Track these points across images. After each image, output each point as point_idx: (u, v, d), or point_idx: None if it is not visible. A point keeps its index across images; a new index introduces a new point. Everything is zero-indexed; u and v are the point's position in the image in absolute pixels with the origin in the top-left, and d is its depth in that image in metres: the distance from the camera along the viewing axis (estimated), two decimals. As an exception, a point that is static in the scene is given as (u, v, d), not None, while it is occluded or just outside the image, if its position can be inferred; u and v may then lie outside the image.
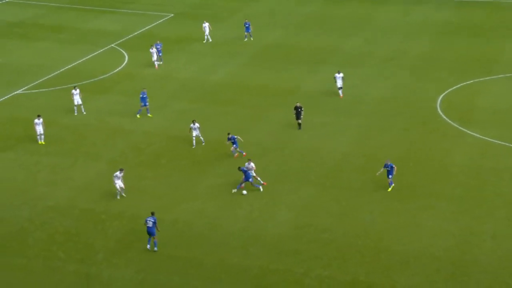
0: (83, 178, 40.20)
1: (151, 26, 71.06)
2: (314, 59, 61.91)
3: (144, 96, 48.58)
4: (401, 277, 31.89)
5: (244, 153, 42.16)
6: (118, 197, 37.01)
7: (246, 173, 38.49)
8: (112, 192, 38.59)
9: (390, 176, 39.04)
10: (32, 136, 45.47)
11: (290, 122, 48.17)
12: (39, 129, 44.20)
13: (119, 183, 37.13)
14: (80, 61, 60.00)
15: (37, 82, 54.77)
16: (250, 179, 38.48)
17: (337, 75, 52.39)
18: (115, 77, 56.56)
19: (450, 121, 48.93)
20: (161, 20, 72.34)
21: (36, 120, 44.29)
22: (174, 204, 37.38)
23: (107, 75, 56.88)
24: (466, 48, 64.98)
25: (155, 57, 57.69)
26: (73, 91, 48.90)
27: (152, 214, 33.58)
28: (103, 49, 61.80)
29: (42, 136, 44.36)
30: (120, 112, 49.78)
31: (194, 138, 44.12)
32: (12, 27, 69.50)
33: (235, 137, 42.28)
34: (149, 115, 48.86)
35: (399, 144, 45.52)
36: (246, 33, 66.00)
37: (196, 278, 31.56)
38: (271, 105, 51.40)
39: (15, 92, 52.66)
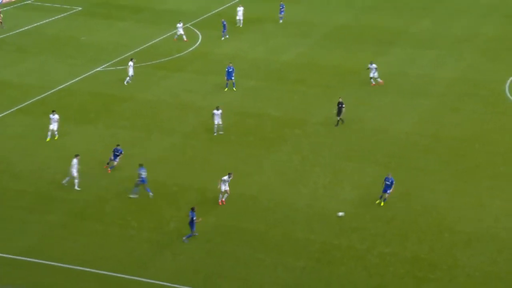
0: (157, 152, 40.93)
1: (225, 6, 71.21)
2: (383, 40, 60.78)
3: (230, 70, 49.57)
4: (463, 256, 31.21)
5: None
6: (220, 201, 35.75)
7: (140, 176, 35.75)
8: (182, 165, 39.16)
9: (388, 191, 34.73)
10: (111, 111, 46.55)
11: (358, 101, 47.56)
12: (53, 125, 41.60)
13: (224, 187, 35.49)
14: (157, 40, 60.82)
15: (116, 60, 55.83)
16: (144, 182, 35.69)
17: (370, 65, 50.15)
18: (189, 56, 57.09)
19: (519, 103, 47.26)
20: (235, 1, 72.35)
21: (51, 116, 41.75)
22: (242, 178, 37.62)
23: (182, 53, 57.46)
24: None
25: (180, 31, 59.15)
26: (130, 62, 50.55)
27: (193, 209, 31.90)
28: (171, 32, 62.40)
29: (56, 133, 41.80)
30: (193, 90, 50.31)
31: (216, 125, 42.51)
32: (95, 7, 70.98)
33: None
34: (234, 89, 49.72)
35: (467, 125, 44.34)
36: (280, 15, 66.00)
37: (260, 250, 31.75)
38: (339, 85, 50.88)
39: (97, 69, 53.91)
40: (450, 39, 60.77)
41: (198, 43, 59.87)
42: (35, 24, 65.07)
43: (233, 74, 49.68)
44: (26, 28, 63.95)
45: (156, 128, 44.10)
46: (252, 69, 54.22)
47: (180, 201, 35.67)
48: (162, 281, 29.55)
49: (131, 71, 50.59)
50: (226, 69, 49.90)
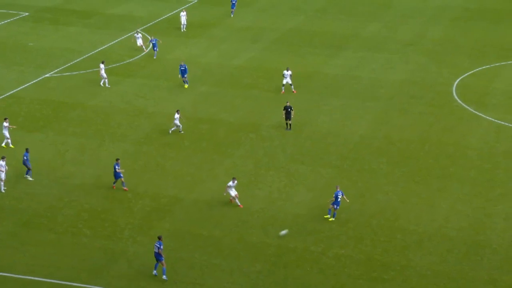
0: (109, 158, 40.42)
1: (176, 11, 70.92)
2: (334, 43, 61.50)
3: (182, 68, 50.48)
4: (415, 256, 31.77)
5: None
6: (237, 202, 35.39)
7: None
8: (135, 171, 38.82)
9: (335, 206, 33.94)
10: (60, 118, 45.79)
11: (310, 105, 47.97)
12: (6, 133, 41.02)
13: (232, 192, 35.22)
14: (107, 45, 60.16)
15: (66, 66, 54.98)
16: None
17: (285, 72, 50.03)
18: (141, 61, 56.66)
19: (465, 105, 48.42)
20: (186, 6, 72.13)
21: (4, 123, 41.18)
22: (196, 184, 37.51)
23: (133, 59, 56.98)
24: (483, 34, 64.20)
25: (140, 42, 57.77)
26: (101, 64, 50.60)
27: (159, 238, 30.12)
28: (129, 34, 61.86)
29: (9, 141, 41.14)
30: (145, 95, 49.94)
31: (179, 126, 43.01)
32: (43, 12, 69.75)
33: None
34: (185, 86, 50.77)
35: (416, 127, 45.17)
36: (232, 9, 68.63)
37: (216, 255, 31.69)
38: (290, 89, 51.13)
39: (45, 75, 52.99)
40: (399, 43, 61.88)
41: (149, 48, 59.41)
42: (-20, 30, 63.61)
43: (186, 72, 50.48)
44: (-30, 34, 62.48)
45: (108, 135, 43.59)
46: (205, 74, 54.13)
47: (134, 208, 35.34)
48: (117, 289, 29.22)
49: (103, 74, 50.36)
50: (179, 67, 50.58)
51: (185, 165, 39.83)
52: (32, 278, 29.73)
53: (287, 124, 43.92)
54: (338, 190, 34.18)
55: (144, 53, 57.70)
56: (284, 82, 49.85)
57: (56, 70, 54.07)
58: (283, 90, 49.96)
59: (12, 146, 41.22)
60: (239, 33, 64.49)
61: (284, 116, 44.01)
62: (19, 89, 50.39)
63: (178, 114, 43.39)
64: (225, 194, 35.32)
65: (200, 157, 40.80)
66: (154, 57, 56.80)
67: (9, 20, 66.74)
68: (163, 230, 33.44)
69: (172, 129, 43.39)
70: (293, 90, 50.01)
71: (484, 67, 55.78)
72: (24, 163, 37.79)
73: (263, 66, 53.69)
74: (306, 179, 38.46)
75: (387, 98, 49.77)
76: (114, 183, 37.02)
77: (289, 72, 49.91)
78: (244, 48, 60.37)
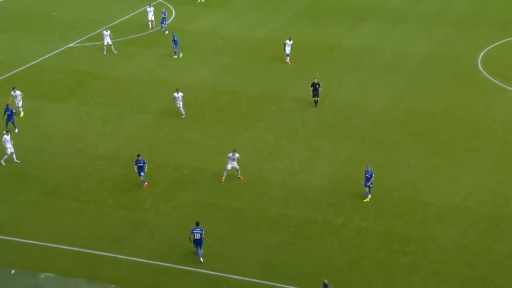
0: (131, 129, 40.61)
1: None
2: (356, 15, 60.76)
3: (176, 39, 50.22)
4: (436, 229, 31.64)
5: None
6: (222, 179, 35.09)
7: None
8: (157, 142, 38.95)
9: (367, 184, 33.20)
10: (83, 88, 45.95)
11: (331, 78, 47.60)
12: (16, 102, 40.79)
13: (231, 165, 34.74)
14: (130, 15, 60.00)
15: (88, 36, 54.99)
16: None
17: (287, 41, 49.66)
18: (162, 32, 56.42)
19: (491, 77, 47.71)
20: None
21: (12, 93, 41.01)
22: (217, 155, 37.54)
23: (155, 29, 56.80)
24: (509, 5, 62.89)
25: (151, 17, 56.66)
26: (104, 32, 50.85)
27: (198, 224, 29.46)
28: (152, 3, 61.57)
29: (20, 110, 41.01)
30: (166, 66, 49.87)
31: (181, 109, 41.38)
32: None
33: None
34: (174, 56, 50.65)
35: (439, 99, 44.67)
36: None
37: (236, 226, 31.83)
38: (312, 61, 50.80)
39: (68, 45, 53.07)
40: (422, 14, 60.95)
41: (172, 18, 59.19)
42: (3, 0, 63.73)
43: (178, 42, 50.40)
44: (-6, 3, 62.69)
45: (129, 106, 43.69)
46: (225, 45, 53.86)
47: (155, 179, 35.50)
48: (139, 258, 29.51)
49: (107, 40, 50.74)
50: (173, 37, 50.75)
51: (206, 137, 39.85)
52: (56, 245, 30.13)
53: (315, 101, 43.09)
54: (370, 169, 33.30)
55: (152, 30, 57.44)
56: (287, 51, 49.41)
57: (78, 40, 54.13)
58: (288, 60, 49.50)
59: (21, 115, 41.18)
60: (260, 4, 63.91)
61: (311, 93, 43.05)
62: (42, 58, 50.58)
63: (179, 93, 41.13)
64: (225, 174, 34.83)
65: (221, 129, 40.77)
66: (164, 30, 55.79)
67: (31, -10, 66.79)
68: (185, 200, 33.63)
69: (183, 113, 41.43)
70: (287, 61, 49.51)
71: (509, 38, 54.79)
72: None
73: (284, 38, 53.03)
74: (327, 152, 38.31)
75: (409, 71, 49.21)
76: (144, 181, 34.46)
77: (291, 42, 49.45)
78: (265, 19, 59.87)
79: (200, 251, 29.41)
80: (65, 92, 45.36)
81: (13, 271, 28.31)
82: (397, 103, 44.31)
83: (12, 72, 48.07)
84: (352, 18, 60.05)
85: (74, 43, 53.55)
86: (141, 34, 55.71)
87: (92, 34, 55.31)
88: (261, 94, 45.40)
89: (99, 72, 48.43)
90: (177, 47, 50.56)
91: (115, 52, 51.22)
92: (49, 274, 28.31)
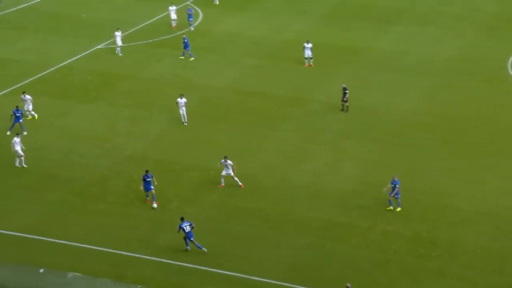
0: (158, 130, 40.70)
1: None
2: (384, 17, 60.27)
3: (186, 41, 50.34)
4: (464, 233, 31.17)
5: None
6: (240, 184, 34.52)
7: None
8: (184, 144, 38.98)
9: (392, 195, 32.34)
10: (112, 89, 46.19)
11: (359, 80, 47.23)
12: (27, 106, 41.03)
13: (225, 172, 34.34)
14: (157, 17, 60.22)
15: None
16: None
17: (306, 44, 49.21)
18: (190, 34, 56.52)
19: (519, 81, 46.99)
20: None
21: (22, 97, 41.14)
22: (244, 157, 37.44)
23: (183, 31, 56.94)
24: (540, 7, 61.99)
25: (173, 16, 57.17)
26: (116, 32, 51.25)
27: (183, 219, 29.73)
28: (179, 6, 61.77)
29: (33, 113, 41.32)
30: (193, 68, 49.94)
31: (182, 115, 40.48)
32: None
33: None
34: (181, 57, 50.67)
35: (467, 103, 44.08)
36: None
37: (262, 228, 31.68)
38: (339, 64, 50.49)
39: (97, 47, 53.43)
40: (450, 16, 60.27)
41: (199, 21, 59.31)
42: (34, 1, 64.42)
43: (189, 44, 50.61)
44: (25, 5, 63.33)
45: (157, 107, 43.80)
46: (253, 47, 53.79)
47: (182, 180, 35.52)
48: (164, 259, 29.52)
49: (119, 42, 51.10)
50: (183, 39, 50.77)
51: (233, 138, 39.78)
52: (83, 245, 30.27)
53: (342, 105, 42.60)
54: (396, 179, 32.61)
55: (178, 32, 57.56)
56: (306, 55, 48.97)
57: (107, 42, 54.46)
58: (306, 63, 49.14)
59: (36, 117, 41.41)
60: (288, 6, 63.74)
61: (341, 96, 42.43)
62: (72, 60, 50.99)
63: (182, 98, 40.33)
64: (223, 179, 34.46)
65: (248, 131, 40.67)
66: (191, 28, 56.50)
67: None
68: (211, 202, 33.59)
69: (185, 121, 40.51)
70: (311, 63, 49.15)
71: (539, 42, 53.92)
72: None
73: (312, 40, 52.81)
74: (354, 154, 38.00)
75: (437, 74, 48.64)
76: (147, 196, 33.20)
77: (310, 45, 49.07)
78: (292, 21, 59.68)
79: (198, 244, 29.38)
80: (94, 93, 45.66)
81: (41, 270, 28.56)
82: (425, 106, 43.81)
83: (43, 73, 48.54)
84: (380, 20, 59.58)
85: (103, 44, 53.88)
86: (169, 36, 55.88)
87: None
88: (288, 96, 45.21)
89: (128, 74, 48.67)
90: (189, 48, 50.57)
91: (121, 55, 51.22)
92: (77, 273, 28.50)
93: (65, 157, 37.60)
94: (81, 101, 44.41)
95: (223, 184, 34.65)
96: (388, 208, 32.83)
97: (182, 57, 50.66)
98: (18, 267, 28.76)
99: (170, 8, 57.64)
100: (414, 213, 32.68)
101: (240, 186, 34.53)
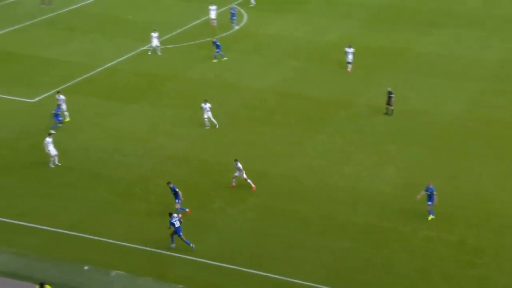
0: (200, 131, 40.72)
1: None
2: (429, 20, 59.28)
3: (218, 43, 50.43)
4: (509, 241, 30.31)
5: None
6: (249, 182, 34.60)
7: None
8: (225, 145, 38.87)
9: (429, 203, 31.64)
10: (155, 90, 46.45)
11: (402, 84, 46.50)
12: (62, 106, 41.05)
13: (238, 173, 34.32)
14: (202, 19, 60.41)
15: (162, 39, 55.60)
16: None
17: (347, 49, 48.34)
18: (234, 36, 56.63)
19: None
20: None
21: (57, 96, 41.35)
22: (284, 159, 37.18)
23: (227, 33, 57.01)
24: None
25: (213, 15, 57.63)
26: (153, 33, 51.73)
27: (171, 214, 29.82)
28: (224, 8, 61.87)
29: (65, 114, 41.19)
30: (236, 70, 49.90)
31: (206, 119, 40.32)
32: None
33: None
34: (214, 60, 50.53)
35: (514, 108, 42.97)
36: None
37: (303, 231, 31.36)
38: (384, 66, 49.84)
39: (142, 48, 53.84)
40: (498, 20, 58.91)
41: (243, 23, 59.29)
42: (84, 3, 65.37)
43: (220, 48, 50.44)
44: (75, 6, 64.30)
45: (199, 108, 43.82)
46: (296, 49, 53.49)
47: (224, 180, 35.44)
48: (206, 259, 29.45)
49: (155, 42, 51.59)
50: (214, 41, 50.81)
51: (274, 140, 39.55)
52: (126, 244, 30.40)
53: (387, 108, 41.91)
54: (431, 186, 31.90)
55: (236, 28, 57.55)
56: (349, 59, 48.22)
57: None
58: (349, 69, 48.38)
59: (67, 120, 41.63)
60: (331, 9, 63.27)
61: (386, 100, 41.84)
62: (117, 61, 51.50)
63: (206, 104, 40.29)
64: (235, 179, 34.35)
65: (289, 133, 40.40)
66: (234, 26, 56.86)
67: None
68: (252, 203, 33.43)
69: (208, 125, 40.48)
70: (348, 69, 48.27)
71: None
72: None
73: (355, 43, 52.31)
74: (396, 158, 37.37)
75: (483, 78, 47.55)
76: (181, 208, 32.13)
77: (352, 50, 48.36)
78: (335, 24, 59.19)
79: (186, 240, 29.53)
80: (138, 94, 46.00)
81: (86, 268, 28.82)
82: (470, 110, 42.86)
83: (90, 74, 49.14)
84: (424, 23, 58.64)
85: (148, 45, 54.27)
86: (212, 38, 55.93)
87: (166, 37, 55.92)
88: (330, 98, 44.79)
89: (171, 75, 48.91)
90: (220, 49, 50.52)
91: (160, 54, 51.71)
92: (120, 271, 28.64)
93: (109, 156, 37.92)
94: (126, 102, 44.78)
95: (234, 184, 34.50)
96: (430, 218, 31.95)
97: (215, 60, 50.51)
98: (63, 264, 29.07)
99: (210, 7, 58.14)
100: (458, 219, 31.92)
101: (252, 188, 34.29)
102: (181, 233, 29.73)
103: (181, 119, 42.26)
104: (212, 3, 58.70)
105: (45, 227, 31.51)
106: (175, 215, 30.12)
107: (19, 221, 31.91)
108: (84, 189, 34.77)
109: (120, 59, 51.75)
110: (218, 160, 37.33)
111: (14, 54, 52.46)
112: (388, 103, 41.78)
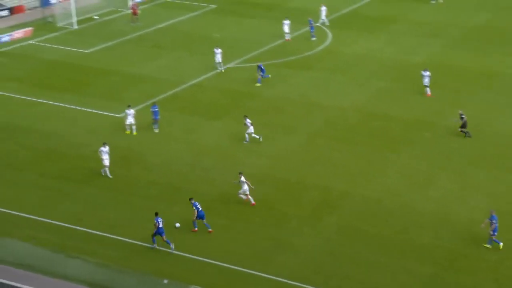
0: (282, 149, 40.53)
1: (356, 6, 69.79)
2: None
3: (262, 67, 49.87)
4: None
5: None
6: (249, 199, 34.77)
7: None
8: (306, 163, 38.50)
9: (491, 232, 30.33)
10: (238, 107, 46.68)
11: (492, 106, 44.77)
12: (129, 120, 42.10)
13: (244, 187, 34.50)
14: (285, 39, 60.43)
15: (246, 57, 56.07)
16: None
17: (423, 72, 46.47)
18: (319, 55, 56.35)
19: None
20: (366, 0, 70.75)
21: (127, 110, 42.42)
22: (366, 180, 36.41)
23: (311, 52, 56.79)
24: None
25: (286, 29, 58.29)
26: (215, 49, 52.30)
27: (157, 214, 31.00)
28: (308, 27, 61.73)
29: (133, 127, 42.21)
30: (320, 88, 49.52)
31: (247, 135, 40.69)
32: (229, 5, 71.81)
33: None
34: (258, 84, 49.68)
35: None
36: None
37: (382, 254, 30.49)
38: (471, 88, 48.23)
39: (227, 65, 54.36)
40: None
41: (328, 42, 58.93)
42: (171, 21, 66.85)
43: (264, 72, 49.75)
44: (163, 25, 65.84)
45: (281, 126, 43.73)
46: (381, 69, 52.62)
47: (303, 199, 35.05)
48: (282, 278, 29.10)
49: (218, 58, 52.01)
50: (260, 66, 50.00)
51: (356, 160, 38.84)
52: (204, 259, 30.45)
53: (465, 132, 40.71)
54: (493, 214, 30.39)
55: (320, 46, 57.21)
56: (425, 83, 46.64)
57: (237, 61, 55.32)
58: (428, 93, 46.81)
59: (135, 133, 42.43)
60: (419, 29, 61.98)
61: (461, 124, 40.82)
62: (202, 78, 52.19)
63: (248, 119, 40.94)
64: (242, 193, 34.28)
65: (372, 153, 39.58)
66: (312, 39, 57.73)
67: (197, 13, 69.48)
68: (331, 223, 32.85)
69: (247, 139, 40.81)
70: (427, 93, 46.64)
71: None
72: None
73: (443, 63, 50.99)
74: (483, 184, 35.87)
75: None
76: (205, 224, 32.51)
77: (428, 73, 46.74)
78: (423, 43, 57.92)
79: (167, 239, 30.53)
80: (221, 111, 46.36)
81: (165, 281, 29.00)
82: None
83: (176, 90, 50.00)
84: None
85: (233, 63, 54.76)
86: (298, 56, 55.89)
87: (250, 55, 56.31)
88: (415, 120, 43.65)
89: (254, 92, 49.06)
90: (264, 73, 49.89)
91: (222, 70, 51.92)
92: (197, 286, 28.65)
93: (191, 170, 38.27)
94: (209, 118, 45.20)
95: (246, 198, 34.47)
96: (486, 245, 30.56)
97: (259, 84, 49.80)
98: (144, 277, 29.37)
99: (284, 22, 58.63)
100: (549, 249, 30.20)
101: (252, 204, 34.19)
102: (163, 234, 30.66)
103: (263, 137, 42.16)
104: (286, 17, 58.90)
105: (126, 239, 32.01)
106: (159, 216, 30.90)
107: (103, 232, 32.56)
108: (166, 202, 35.15)
109: (205, 76, 52.43)
110: (299, 178, 36.97)
111: (104, 70, 54.11)
112: (463, 126, 40.33)
